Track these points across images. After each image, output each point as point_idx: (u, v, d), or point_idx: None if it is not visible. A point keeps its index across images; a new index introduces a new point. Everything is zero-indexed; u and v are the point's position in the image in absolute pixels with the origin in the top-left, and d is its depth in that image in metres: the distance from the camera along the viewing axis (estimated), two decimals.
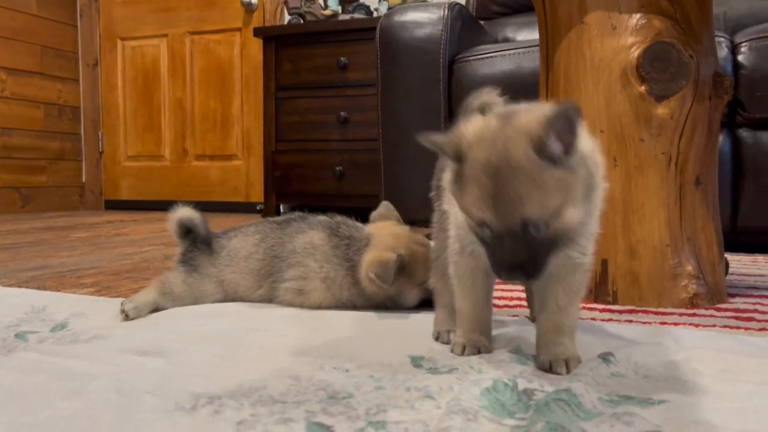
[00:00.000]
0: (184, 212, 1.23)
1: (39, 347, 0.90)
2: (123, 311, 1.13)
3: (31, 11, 4.25)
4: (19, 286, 1.45)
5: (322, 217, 1.25)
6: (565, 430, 0.59)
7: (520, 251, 0.68)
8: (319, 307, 1.18)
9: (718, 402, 0.69)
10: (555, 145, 0.65)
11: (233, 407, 0.67)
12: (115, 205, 4.64)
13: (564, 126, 0.65)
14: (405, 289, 1.17)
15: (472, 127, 0.70)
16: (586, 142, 0.71)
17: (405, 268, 1.15)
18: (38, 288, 1.44)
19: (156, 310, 1.18)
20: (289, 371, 0.79)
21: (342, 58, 3.34)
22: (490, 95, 0.95)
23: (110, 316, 1.14)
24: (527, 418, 0.65)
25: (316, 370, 0.79)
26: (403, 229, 1.21)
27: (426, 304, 1.17)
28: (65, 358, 0.83)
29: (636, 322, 1.09)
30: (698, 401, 0.69)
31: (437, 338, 0.95)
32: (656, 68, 1.21)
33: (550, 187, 0.65)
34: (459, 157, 0.69)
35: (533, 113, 0.68)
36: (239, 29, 4.23)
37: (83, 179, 4.66)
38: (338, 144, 3.39)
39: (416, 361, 0.84)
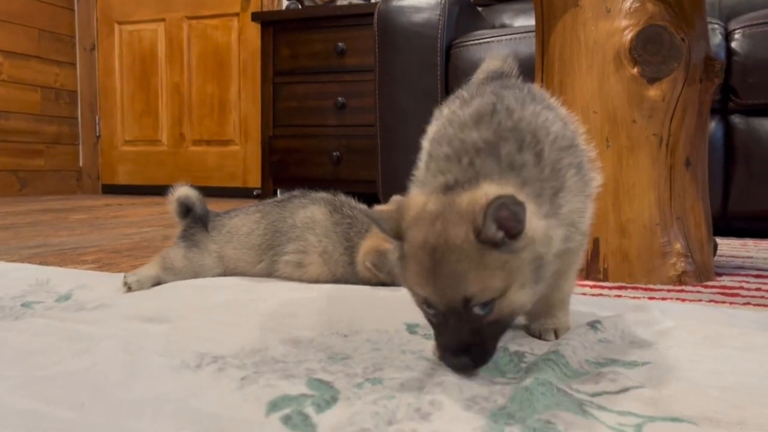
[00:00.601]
0: (183, 191, 1.27)
1: (46, 313, 0.93)
2: (126, 284, 1.16)
3: None
4: (22, 262, 1.48)
5: (324, 194, 1.28)
6: (552, 386, 0.62)
7: (464, 332, 0.64)
8: (317, 281, 1.21)
9: (700, 364, 0.72)
10: (495, 232, 0.62)
11: (236, 366, 0.70)
12: (112, 190, 4.66)
13: (505, 215, 0.61)
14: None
15: (414, 204, 0.67)
16: (537, 225, 0.65)
17: None
18: (40, 264, 1.46)
19: (158, 284, 1.21)
20: (289, 336, 0.82)
21: (340, 44, 3.35)
22: (494, 62, 0.94)
23: (113, 289, 1.17)
24: (518, 378, 0.68)
25: (315, 336, 0.82)
26: None
27: None
28: (73, 323, 0.86)
29: (625, 297, 1.13)
30: (680, 363, 0.72)
31: None
32: (649, 51, 1.24)
33: (491, 267, 0.62)
34: (398, 236, 0.66)
35: (476, 196, 0.63)
36: (237, 14, 4.24)
37: (80, 163, 4.67)
38: (335, 129, 3.41)
39: (411, 329, 0.87)
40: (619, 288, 1.20)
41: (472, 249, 0.62)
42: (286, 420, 0.55)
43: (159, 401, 0.59)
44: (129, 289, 1.15)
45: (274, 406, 0.58)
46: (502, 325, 0.67)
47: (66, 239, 1.95)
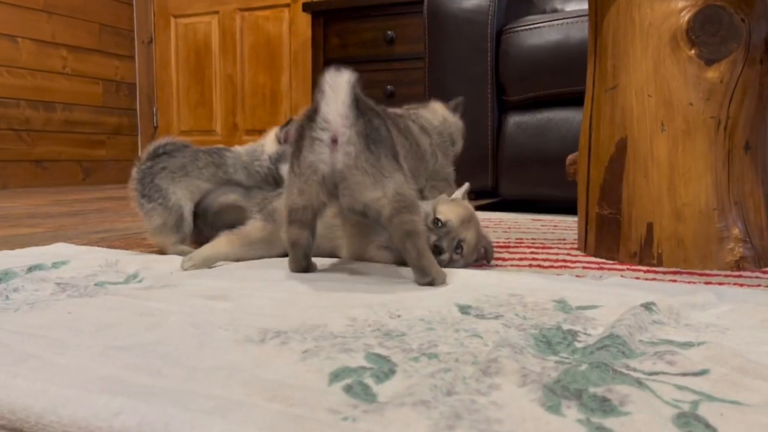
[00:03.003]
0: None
1: (118, 291, 0.99)
2: (183, 261, 1.21)
3: None
4: (90, 246, 1.56)
5: None
6: (609, 367, 0.63)
7: None
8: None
9: (758, 346, 0.71)
10: None
11: (298, 340, 0.73)
12: None
13: None
14: None
15: None
16: None
17: None
18: (108, 247, 1.54)
19: (219, 262, 1.26)
20: (346, 314, 0.85)
21: (389, 32, 3.37)
22: None
23: (176, 270, 1.22)
24: (570, 360, 0.69)
25: (370, 314, 0.85)
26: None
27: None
28: (142, 300, 0.91)
29: (680, 282, 1.11)
30: (738, 344, 0.72)
31: None
32: (707, 32, 1.21)
33: None
34: None
35: None
36: (288, 5, 4.29)
37: (139, 153, 4.84)
38: None
39: (464, 309, 0.89)
40: (674, 273, 1.19)
41: None
42: (348, 389, 0.58)
43: (228, 370, 0.62)
44: (193, 265, 1.20)
45: (335, 376, 0.61)
46: None
47: (130, 225, 2.04)
